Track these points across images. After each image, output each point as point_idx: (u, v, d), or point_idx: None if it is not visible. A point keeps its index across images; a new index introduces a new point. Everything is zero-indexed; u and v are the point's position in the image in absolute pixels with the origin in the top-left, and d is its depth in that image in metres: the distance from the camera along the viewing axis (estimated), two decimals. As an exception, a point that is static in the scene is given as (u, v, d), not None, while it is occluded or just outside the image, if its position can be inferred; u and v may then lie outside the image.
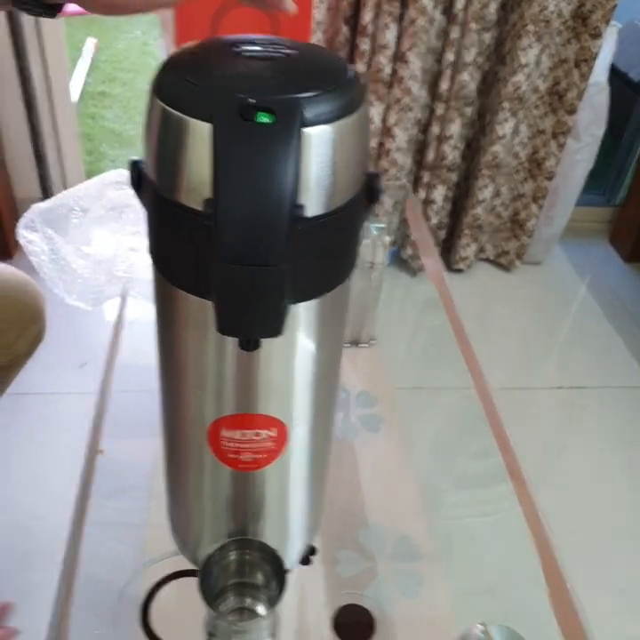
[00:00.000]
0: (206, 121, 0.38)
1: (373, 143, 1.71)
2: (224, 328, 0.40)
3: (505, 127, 1.72)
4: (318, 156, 0.39)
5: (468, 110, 1.74)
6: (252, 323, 0.40)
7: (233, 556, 0.59)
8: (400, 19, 1.56)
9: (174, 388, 0.53)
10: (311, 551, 0.69)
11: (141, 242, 1.06)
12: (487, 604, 1.07)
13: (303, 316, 0.46)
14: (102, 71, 3.12)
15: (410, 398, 1.49)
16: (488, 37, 1.65)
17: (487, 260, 2.02)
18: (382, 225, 1.13)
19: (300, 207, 0.38)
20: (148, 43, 3.38)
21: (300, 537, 0.66)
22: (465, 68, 1.62)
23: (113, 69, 3.15)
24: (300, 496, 0.61)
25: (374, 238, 1.11)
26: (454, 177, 1.83)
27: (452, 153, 1.74)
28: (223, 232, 0.37)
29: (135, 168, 0.45)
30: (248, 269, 0.37)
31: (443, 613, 0.78)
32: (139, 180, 0.45)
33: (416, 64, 1.60)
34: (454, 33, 1.58)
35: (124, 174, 1.16)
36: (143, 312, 1.05)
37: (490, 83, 1.74)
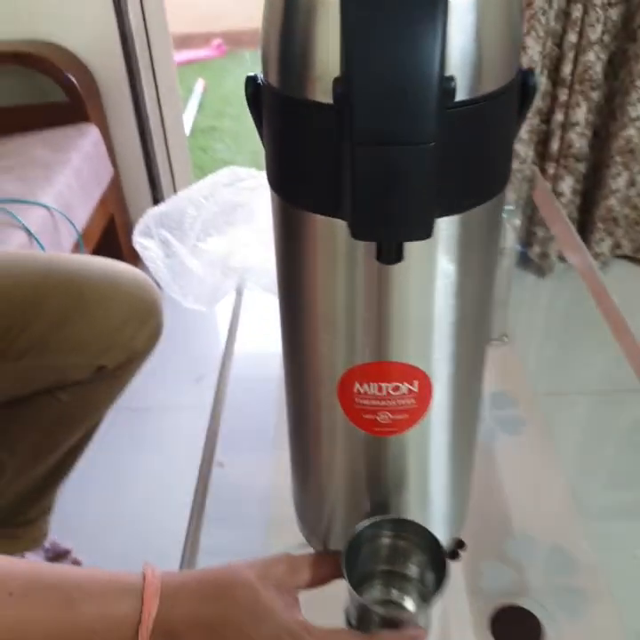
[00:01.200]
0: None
1: (492, 137, 1.62)
2: (360, 229, 0.34)
3: (638, 108, 1.58)
4: (464, 26, 0.33)
5: (595, 94, 1.61)
6: (395, 221, 0.34)
7: (384, 538, 0.51)
8: (515, 2, 1.48)
9: (299, 334, 0.47)
10: (459, 544, 0.61)
11: (256, 237, 1.04)
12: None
13: (447, 235, 0.39)
14: (212, 108, 3.23)
15: (552, 402, 1.36)
16: (614, 13, 1.53)
17: (624, 256, 1.85)
18: (511, 206, 1.04)
19: (451, 79, 0.32)
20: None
21: (443, 525, 0.58)
22: (590, 47, 1.51)
23: (222, 105, 3.25)
24: (446, 471, 0.53)
25: (503, 221, 1.02)
26: (582, 167, 1.69)
27: (579, 140, 1.62)
28: (359, 106, 0.31)
29: (251, 83, 0.40)
30: (391, 149, 0.31)
31: (615, 629, 0.66)
32: (256, 95, 0.41)
33: (534, 49, 1.51)
34: (576, 11, 1.47)
35: (237, 172, 1.15)
36: (260, 306, 1.02)
37: (618, 63, 1.61)
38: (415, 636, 0.46)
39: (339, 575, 0.49)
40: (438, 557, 0.49)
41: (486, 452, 0.93)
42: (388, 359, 0.44)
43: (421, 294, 0.42)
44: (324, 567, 0.49)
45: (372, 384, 0.45)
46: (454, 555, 0.61)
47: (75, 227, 1.31)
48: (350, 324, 0.43)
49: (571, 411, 1.41)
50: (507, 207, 1.05)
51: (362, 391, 0.46)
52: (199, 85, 3.33)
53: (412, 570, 0.53)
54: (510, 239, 1.03)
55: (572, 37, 1.50)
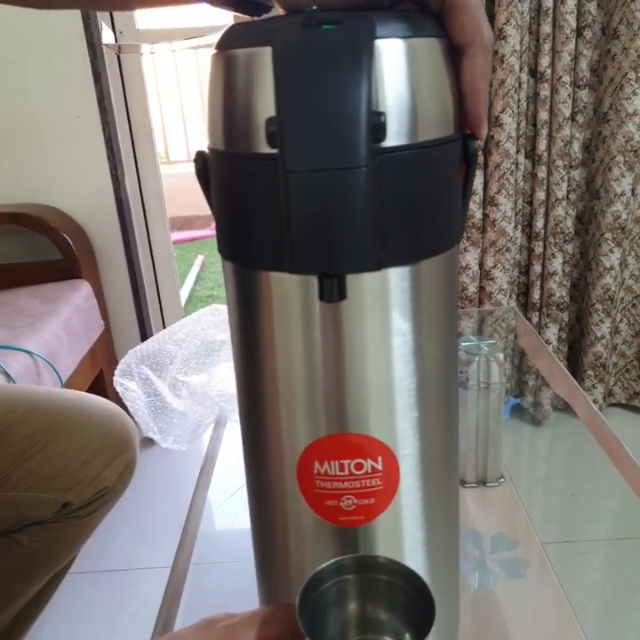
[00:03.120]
0: (268, 45, 0.34)
1: (473, 288, 1.68)
2: (298, 262, 0.33)
3: (611, 259, 1.65)
4: (394, 71, 0.35)
5: (569, 247, 1.69)
6: (332, 250, 0.33)
7: (348, 580, 0.42)
8: (485, 165, 1.60)
9: (258, 409, 0.44)
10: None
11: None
12: None
13: (399, 289, 0.38)
14: (210, 280, 3.42)
15: (558, 551, 1.27)
16: (577, 175, 1.65)
17: (619, 404, 1.82)
18: (493, 341, 1.05)
19: (380, 114, 0.33)
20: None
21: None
22: (558, 203, 1.61)
23: (220, 277, 3.38)
24: (427, 570, 0.47)
25: (486, 355, 1.02)
26: (566, 316, 1.73)
27: (558, 290, 1.67)
28: (289, 136, 0.32)
29: (200, 158, 0.42)
30: (322, 175, 0.31)
31: None
32: (204, 169, 0.42)
33: (507, 205, 1.60)
34: (541, 172, 1.59)
35: (220, 309, 1.17)
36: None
37: (587, 220, 1.71)
38: None
39: (294, 636, 0.39)
40: (420, 594, 0.39)
41: (488, 599, 0.85)
42: (347, 430, 0.41)
43: (377, 354, 0.40)
44: (275, 625, 0.40)
45: (332, 462, 0.42)
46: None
47: (58, 375, 1.30)
48: (308, 389, 0.41)
49: (577, 556, 1.31)
50: (489, 341, 1.06)
51: (322, 471, 0.42)
52: (198, 260, 3.56)
53: (392, 613, 0.42)
54: (495, 374, 1.02)
55: (541, 195, 1.61)
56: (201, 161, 0.42)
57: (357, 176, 0.32)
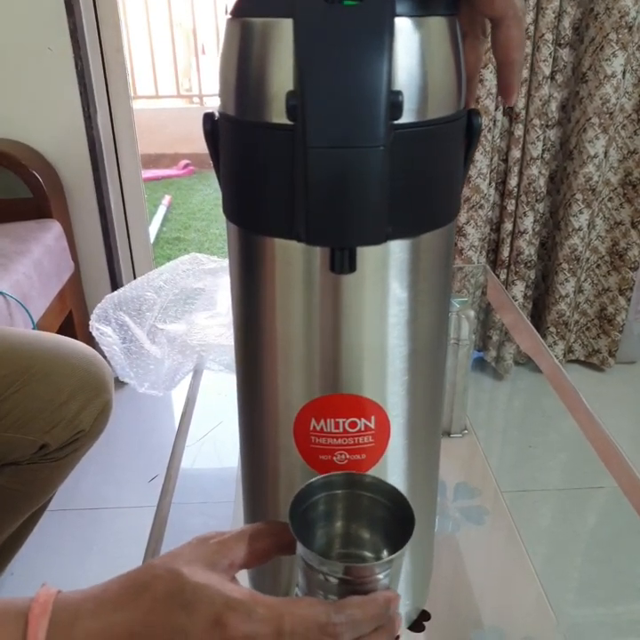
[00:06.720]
0: (288, 17, 0.35)
1: (446, 243, 1.70)
2: (315, 234, 0.34)
3: (580, 219, 1.69)
4: (409, 50, 0.36)
5: (540, 206, 1.72)
6: (347, 224, 0.34)
7: (336, 495, 0.45)
8: (463, 121, 1.60)
9: (256, 369, 0.46)
10: (424, 616, 0.57)
11: (215, 322, 1.03)
12: None
13: (399, 259, 0.40)
14: (177, 221, 3.34)
15: (514, 499, 1.34)
16: (552, 134, 1.67)
17: (578, 361, 1.90)
18: (465, 298, 1.07)
19: (398, 93, 0.34)
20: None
21: (406, 590, 0.54)
22: (532, 163, 1.63)
23: (188, 219, 3.36)
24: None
25: (457, 312, 1.05)
26: (532, 274, 1.77)
27: (527, 248, 1.71)
28: (312, 112, 0.33)
29: (208, 120, 0.42)
30: (342, 152, 0.32)
31: None
32: (213, 131, 0.42)
33: (483, 162, 1.62)
34: (518, 130, 1.60)
35: (198, 258, 1.17)
36: (218, 386, 0.99)
37: (559, 180, 1.73)
38: (389, 598, 0.40)
39: (281, 548, 0.43)
40: (402, 511, 0.43)
41: (449, 543, 0.90)
42: (343, 391, 0.43)
43: (374, 321, 0.42)
44: (263, 539, 0.42)
45: (328, 420, 0.44)
46: (418, 626, 0.56)
47: (30, 316, 1.29)
48: (307, 353, 0.43)
49: (531, 504, 1.39)
50: (460, 299, 1.09)
51: (318, 428, 0.44)
52: (165, 200, 3.47)
53: (373, 529, 0.46)
54: (465, 330, 1.05)
55: (516, 153, 1.62)
56: (210, 123, 0.43)
57: (376, 155, 0.33)
